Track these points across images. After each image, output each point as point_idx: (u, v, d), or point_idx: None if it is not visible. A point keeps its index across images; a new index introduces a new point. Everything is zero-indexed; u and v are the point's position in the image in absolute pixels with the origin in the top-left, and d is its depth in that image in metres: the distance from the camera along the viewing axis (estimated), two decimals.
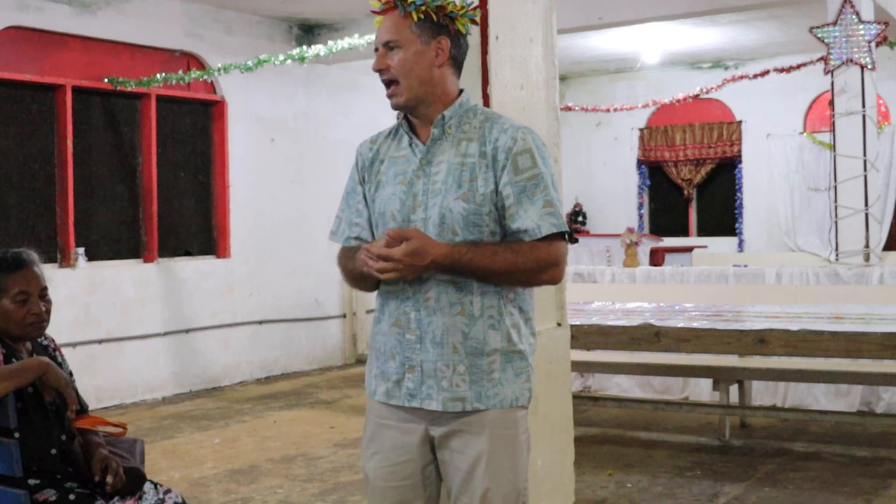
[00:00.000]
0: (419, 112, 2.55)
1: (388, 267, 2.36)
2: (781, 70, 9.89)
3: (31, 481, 2.88)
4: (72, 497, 2.92)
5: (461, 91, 2.60)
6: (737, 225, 12.82)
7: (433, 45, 2.50)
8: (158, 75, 8.28)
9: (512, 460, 2.53)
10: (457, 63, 2.58)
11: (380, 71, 2.53)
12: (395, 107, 2.55)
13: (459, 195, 2.46)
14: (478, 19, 2.67)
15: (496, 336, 2.49)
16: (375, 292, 2.62)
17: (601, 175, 13.69)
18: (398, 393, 2.53)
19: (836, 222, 7.98)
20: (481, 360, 2.48)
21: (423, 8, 2.48)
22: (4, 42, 7.68)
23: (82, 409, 3.15)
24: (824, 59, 7.95)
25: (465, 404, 2.48)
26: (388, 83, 2.52)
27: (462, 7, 2.54)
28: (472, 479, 2.50)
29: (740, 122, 12.76)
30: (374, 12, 2.56)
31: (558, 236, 2.48)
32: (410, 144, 2.56)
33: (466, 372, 2.48)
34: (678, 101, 10.94)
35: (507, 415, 2.51)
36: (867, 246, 7.83)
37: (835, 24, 7.81)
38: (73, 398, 2.91)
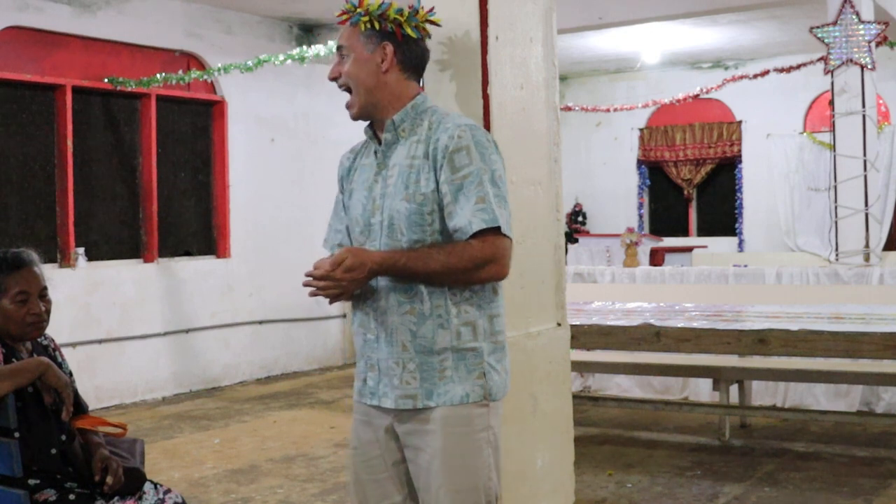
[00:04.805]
0: (375, 118, 2.65)
1: (331, 285, 2.45)
2: (781, 70, 9.88)
3: (31, 481, 2.87)
4: (72, 497, 2.92)
5: (417, 94, 2.65)
6: (737, 225, 12.82)
7: (378, 51, 2.60)
8: (158, 75, 8.28)
9: (468, 459, 2.54)
10: (409, 67, 2.63)
11: (334, 79, 2.66)
12: (353, 118, 2.67)
13: (404, 196, 2.53)
14: (438, 20, 2.70)
15: (445, 335, 2.52)
16: None
17: (601, 175, 13.69)
18: (365, 391, 2.64)
19: (836, 222, 7.97)
20: (432, 358, 2.52)
21: (367, 18, 2.60)
22: (4, 42, 7.68)
23: (82, 409, 3.15)
24: (824, 59, 7.95)
25: (415, 402, 2.53)
26: (347, 90, 2.64)
27: (407, 13, 2.61)
28: (430, 477, 2.55)
29: (740, 122, 12.76)
30: (338, 23, 2.71)
31: (494, 231, 2.47)
32: (375, 151, 2.66)
33: (417, 370, 2.53)
34: (678, 101, 10.94)
35: (459, 412, 2.52)
36: (867, 246, 7.82)
37: (835, 24, 7.80)
38: (71, 400, 2.91)
